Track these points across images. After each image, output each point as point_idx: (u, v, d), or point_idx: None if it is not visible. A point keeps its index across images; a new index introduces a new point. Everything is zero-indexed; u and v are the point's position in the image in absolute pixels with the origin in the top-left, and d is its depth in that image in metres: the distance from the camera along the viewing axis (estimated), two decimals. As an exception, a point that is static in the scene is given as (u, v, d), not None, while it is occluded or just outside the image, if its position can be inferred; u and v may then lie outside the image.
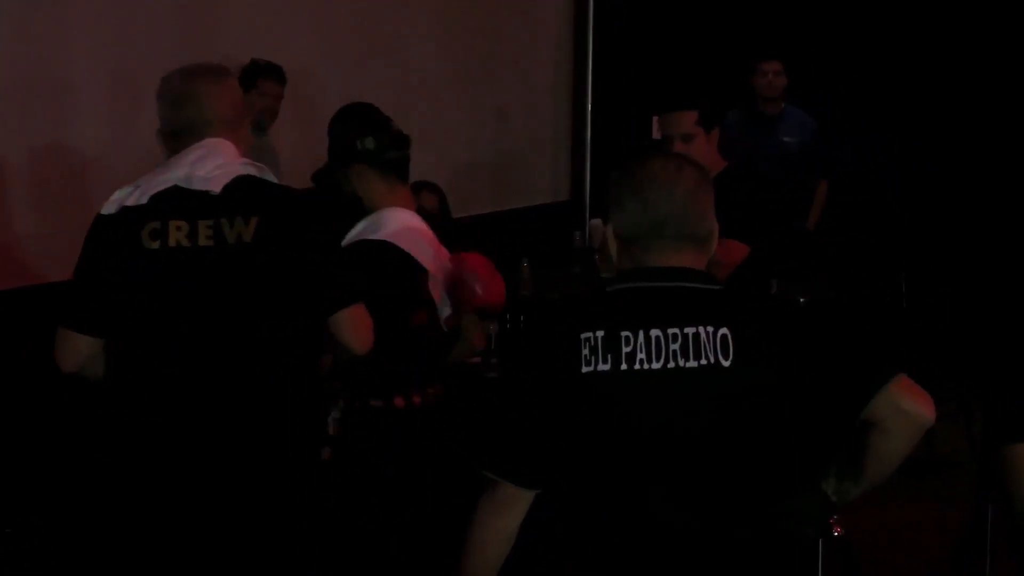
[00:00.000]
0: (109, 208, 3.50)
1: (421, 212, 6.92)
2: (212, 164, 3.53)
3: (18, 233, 5.77)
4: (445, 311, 4.36)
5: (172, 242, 3.44)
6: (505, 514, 2.97)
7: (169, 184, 3.49)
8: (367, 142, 4.25)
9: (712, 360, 2.87)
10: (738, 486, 2.90)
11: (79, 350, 3.51)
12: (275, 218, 3.54)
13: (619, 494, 2.89)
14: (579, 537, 2.93)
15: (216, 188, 3.50)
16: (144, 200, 3.46)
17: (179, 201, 3.49)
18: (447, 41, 8.81)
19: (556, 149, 9.93)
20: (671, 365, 2.87)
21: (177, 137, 3.61)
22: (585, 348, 2.86)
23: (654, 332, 2.88)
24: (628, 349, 2.87)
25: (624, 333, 2.87)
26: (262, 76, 7.00)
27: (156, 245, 3.44)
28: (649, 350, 2.87)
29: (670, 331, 2.88)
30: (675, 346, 2.87)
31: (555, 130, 9.96)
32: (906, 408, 2.91)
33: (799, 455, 2.96)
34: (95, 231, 3.52)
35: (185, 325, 3.46)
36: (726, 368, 2.87)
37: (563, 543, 2.96)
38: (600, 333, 2.87)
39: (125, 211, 3.47)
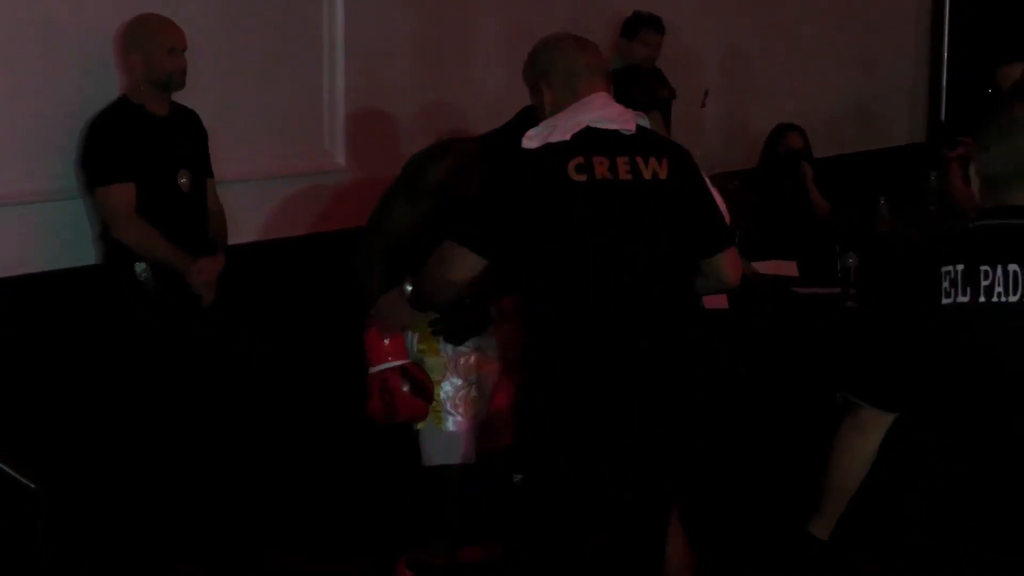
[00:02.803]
0: (530, 143, 3.41)
1: (788, 151, 6.93)
2: (616, 110, 3.51)
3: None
4: None
5: (597, 175, 3.39)
6: (867, 434, 2.96)
7: (583, 125, 3.43)
8: (663, 92, 4.31)
9: None
10: None
11: (472, 267, 3.45)
12: (678, 162, 3.51)
13: (976, 418, 2.79)
14: (939, 459, 2.84)
15: (631, 128, 3.48)
16: (566, 137, 3.41)
17: (597, 139, 3.42)
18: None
19: (914, 95, 9.72)
20: None
21: (570, 79, 3.56)
22: (945, 281, 2.80)
23: (1012, 267, 2.78)
24: (987, 282, 2.78)
25: (983, 267, 2.78)
26: (644, 26, 7.00)
27: (583, 178, 3.37)
28: (1007, 283, 2.78)
29: None
30: None
31: (914, 77, 9.76)
32: None
33: None
34: (514, 162, 3.45)
35: (607, 251, 3.36)
36: None
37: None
38: (960, 267, 2.79)
39: (549, 147, 3.39)
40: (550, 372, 3.39)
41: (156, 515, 4.84)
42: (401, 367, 3.93)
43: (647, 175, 3.41)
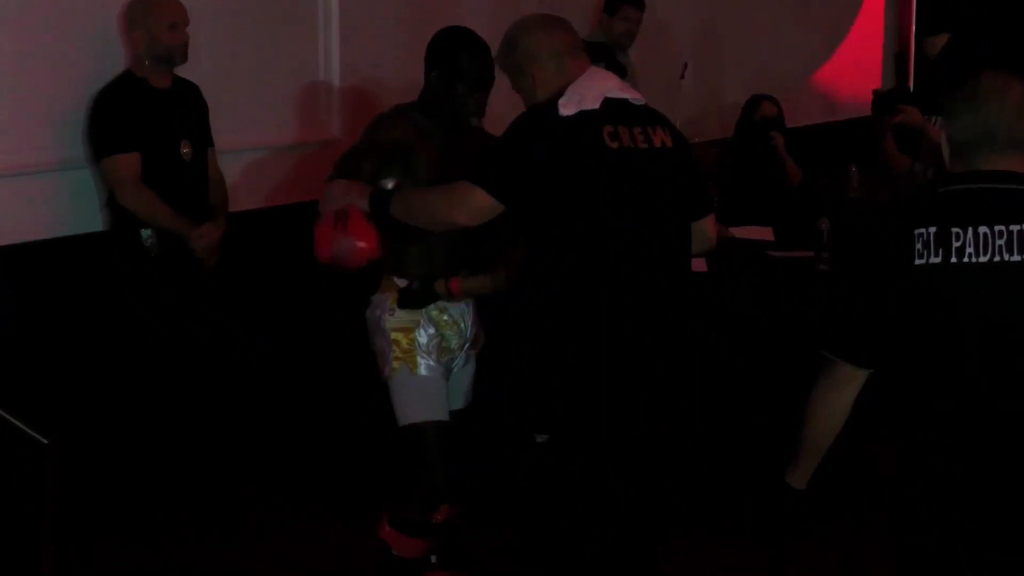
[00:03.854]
0: (568, 110, 3.42)
1: (762, 120, 6.93)
2: (618, 82, 3.56)
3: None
4: None
5: (625, 143, 3.43)
6: (842, 389, 2.95)
7: (602, 93, 3.48)
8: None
9: None
10: None
11: (485, 211, 3.48)
12: (674, 130, 3.59)
13: (945, 375, 2.82)
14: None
15: (640, 99, 3.54)
16: (596, 106, 3.44)
17: (617, 109, 3.47)
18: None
19: (884, 65, 9.74)
20: (996, 259, 2.79)
21: (557, 58, 3.57)
22: (918, 243, 2.80)
23: (982, 229, 2.80)
24: (958, 244, 2.79)
25: (955, 229, 2.80)
26: (625, 3, 7.01)
27: (616, 145, 3.40)
28: (977, 245, 2.80)
29: (996, 228, 2.80)
30: (1001, 241, 2.79)
31: (883, 46, 9.76)
32: None
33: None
34: (553, 125, 3.43)
35: (626, 236, 3.39)
36: None
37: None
38: (932, 229, 2.80)
39: (583, 114, 3.42)
40: (562, 360, 3.42)
41: (157, 471, 4.89)
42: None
43: (657, 143, 3.48)
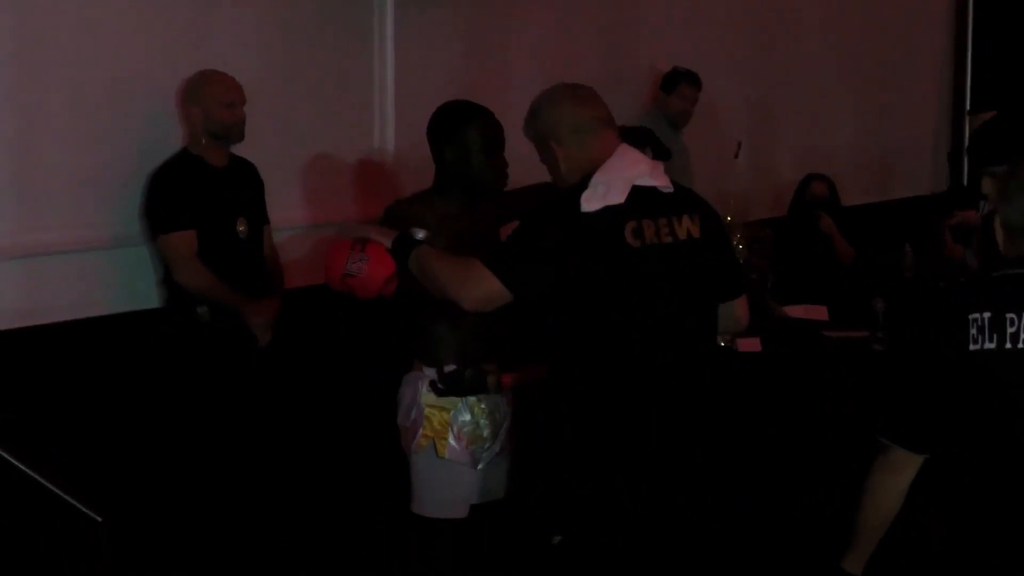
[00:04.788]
0: (591, 205, 3.34)
1: (812, 199, 6.93)
2: (648, 165, 3.48)
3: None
4: None
5: (648, 240, 3.37)
6: (898, 474, 2.95)
7: (629, 183, 3.40)
8: (647, 151, 4.09)
9: None
10: None
11: (495, 299, 3.38)
12: (707, 217, 3.52)
13: (1002, 460, 2.80)
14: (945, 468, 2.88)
15: (668, 186, 3.47)
16: (621, 200, 3.38)
17: (643, 200, 3.41)
18: (836, 40, 8.73)
19: (936, 143, 9.70)
20: None
21: (579, 134, 3.51)
22: (973, 328, 2.80)
23: None
24: (1012, 330, 2.78)
25: (1009, 315, 2.79)
26: (683, 81, 7.05)
27: (638, 244, 3.33)
28: None
29: None
30: None
31: (936, 126, 9.74)
32: None
33: None
34: (577, 226, 3.34)
35: (655, 315, 3.37)
36: None
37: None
38: (987, 315, 2.80)
39: (607, 210, 3.34)
40: (569, 381, 3.40)
41: (212, 546, 4.89)
42: None
43: (682, 235, 3.42)
